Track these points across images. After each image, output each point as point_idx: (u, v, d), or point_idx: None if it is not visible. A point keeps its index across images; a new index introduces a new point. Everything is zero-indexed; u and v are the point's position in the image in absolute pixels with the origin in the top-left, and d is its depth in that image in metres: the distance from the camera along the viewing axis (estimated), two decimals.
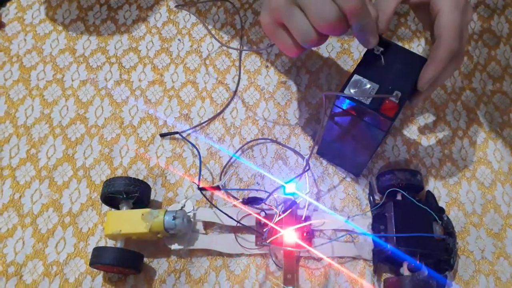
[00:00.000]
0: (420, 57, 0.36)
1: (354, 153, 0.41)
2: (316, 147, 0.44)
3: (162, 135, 0.45)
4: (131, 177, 0.39)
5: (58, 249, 0.40)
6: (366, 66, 0.36)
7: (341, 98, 0.35)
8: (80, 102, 0.47)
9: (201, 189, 0.39)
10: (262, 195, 0.40)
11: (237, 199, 0.41)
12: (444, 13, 0.35)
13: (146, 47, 0.50)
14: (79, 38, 0.51)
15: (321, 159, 0.45)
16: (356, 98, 0.34)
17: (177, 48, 0.50)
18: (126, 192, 0.38)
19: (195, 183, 0.43)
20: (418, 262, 0.36)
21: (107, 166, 0.44)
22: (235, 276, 0.39)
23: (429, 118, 0.47)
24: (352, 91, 0.35)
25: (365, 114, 0.35)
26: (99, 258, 0.36)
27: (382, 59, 0.36)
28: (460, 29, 0.35)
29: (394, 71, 0.35)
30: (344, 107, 0.36)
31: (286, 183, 0.38)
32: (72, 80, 0.48)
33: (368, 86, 0.35)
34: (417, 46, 0.51)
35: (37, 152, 0.44)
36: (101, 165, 0.44)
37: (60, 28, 0.51)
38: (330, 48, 0.51)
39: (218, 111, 0.47)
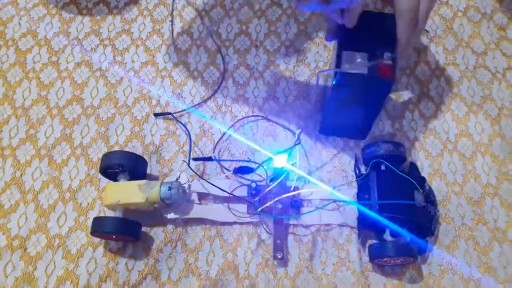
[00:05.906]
0: (392, 15, 0.37)
1: (358, 120, 0.43)
2: (306, 122, 0.46)
3: (156, 115, 0.47)
4: (127, 151, 0.42)
5: (59, 223, 0.42)
6: (347, 40, 0.37)
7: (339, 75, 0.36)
8: (76, 83, 0.49)
9: (194, 159, 0.41)
10: (253, 166, 0.42)
11: (229, 170, 0.43)
12: None
13: (138, 29, 0.52)
14: (72, 21, 0.52)
15: (309, 134, 0.46)
16: (353, 72, 0.36)
17: (169, 29, 0.52)
18: (123, 165, 0.40)
19: (185, 161, 0.44)
20: (400, 228, 0.39)
21: (104, 144, 0.45)
22: (228, 245, 0.41)
23: (413, 94, 0.49)
24: (346, 66, 0.36)
25: (365, 82, 0.36)
26: (99, 227, 0.38)
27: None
28: None
29: (374, 35, 0.36)
30: (343, 82, 0.37)
31: (276, 154, 0.39)
32: (67, 63, 0.50)
33: (359, 56, 0.36)
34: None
35: (36, 132, 0.46)
36: (97, 143, 0.45)
37: (54, 11, 0.52)
38: (317, 27, 0.52)
39: (209, 90, 0.48)
